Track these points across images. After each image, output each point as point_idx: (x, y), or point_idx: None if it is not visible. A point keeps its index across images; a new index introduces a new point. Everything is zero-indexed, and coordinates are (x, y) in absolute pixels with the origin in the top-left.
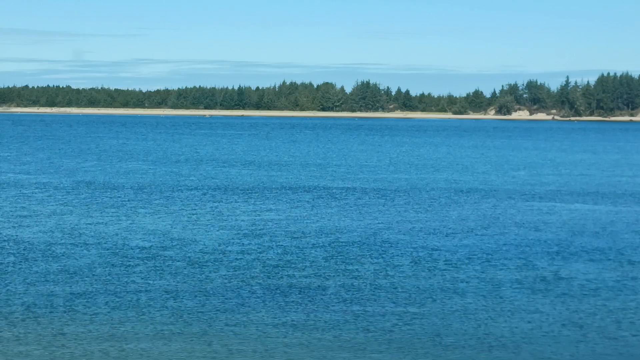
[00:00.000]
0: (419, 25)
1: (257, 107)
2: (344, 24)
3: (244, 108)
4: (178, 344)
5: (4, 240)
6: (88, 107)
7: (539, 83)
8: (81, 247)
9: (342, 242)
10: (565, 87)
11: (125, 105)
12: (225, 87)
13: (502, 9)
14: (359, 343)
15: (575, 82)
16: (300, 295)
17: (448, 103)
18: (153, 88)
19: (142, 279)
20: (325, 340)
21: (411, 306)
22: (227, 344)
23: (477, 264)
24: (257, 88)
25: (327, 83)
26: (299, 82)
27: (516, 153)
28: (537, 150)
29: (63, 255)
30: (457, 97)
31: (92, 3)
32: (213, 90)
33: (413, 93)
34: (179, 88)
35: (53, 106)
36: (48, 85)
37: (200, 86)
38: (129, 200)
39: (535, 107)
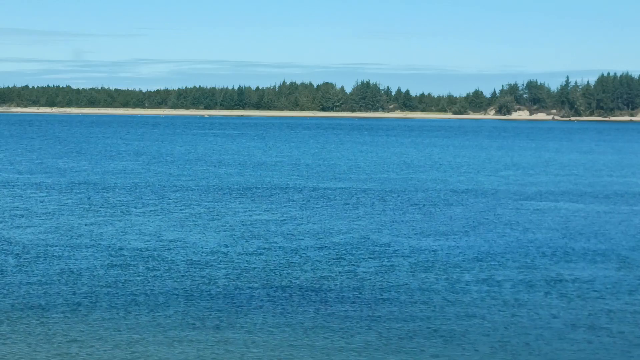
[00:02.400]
0: (419, 25)
1: (257, 107)
2: (344, 24)
3: (244, 108)
4: (187, 348)
5: (2, 242)
6: (88, 107)
7: (539, 83)
8: (80, 249)
9: (341, 243)
10: (565, 87)
11: (125, 105)
12: (225, 87)
13: (502, 9)
14: (374, 348)
15: (575, 82)
16: (309, 298)
17: (448, 103)
18: (153, 88)
19: (144, 281)
20: (340, 346)
21: (422, 309)
22: (238, 349)
23: (481, 265)
24: (257, 88)
25: (327, 83)
26: (299, 82)
27: (512, 153)
28: (534, 151)
29: (62, 257)
30: (457, 97)
31: (92, 3)
32: (213, 90)
33: (413, 93)
34: (179, 88)
35: (53, 106)
36: (48, 85)
37: (200, 86)
38: (124, 201)
39: (535, 107)
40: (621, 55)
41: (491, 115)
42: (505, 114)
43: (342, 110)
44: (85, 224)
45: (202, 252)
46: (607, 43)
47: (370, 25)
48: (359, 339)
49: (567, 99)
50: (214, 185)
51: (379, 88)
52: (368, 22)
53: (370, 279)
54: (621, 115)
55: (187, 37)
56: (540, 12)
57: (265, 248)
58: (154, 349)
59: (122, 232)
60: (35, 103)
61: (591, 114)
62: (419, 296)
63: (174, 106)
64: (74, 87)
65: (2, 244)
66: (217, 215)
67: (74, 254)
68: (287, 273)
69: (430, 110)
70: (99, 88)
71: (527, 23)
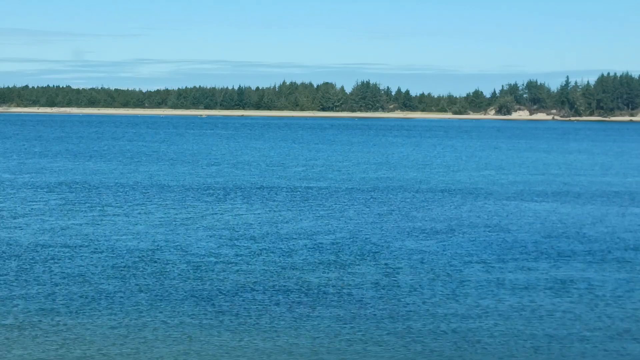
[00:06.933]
0: (419, 25)
1: (257, 107)
2: (344, 24)
3: (244, 108)
4: (204, 358)
5: (1, 244)
6: (88, 107)
7: (539, 83)
8: (81, 250)
9: (338, 244)
10: (565, 87)
11: (125, 105)
12: (225, 87)
13: (502, 9)
14: (394, 349)
15: (575, 82)
16: (324, 302)
17: (448, 103)
18: (153, 88)
19: (149, 282)
20: (361, 348)
21: (431, 309)
22: (257, 354)
23: (486, 267)
24: (257, 88)
25: (327, 83)
26: (299, 82)
27: (506, 154)
28: (523, 152)
29: (64, 259)
30: (457, 97)
31: (92, 3)
32: (213, 90)
33: (413, 93)
34: (179, 88)
35: (53, 106)
36: (48, 85)
37: (200, 86)
38: (115, 202)
39: (535, 107)
40: (621, 55)
41: (491, 115)
42: (505, 114)
43: (342, 110)
44: (81, 225)
45: (203, 254)
46: (607, 43)
47: (370, 25)
48: (384, 343)
49: (567, 99)
50: (207, 186)
51: (379, 88)
52: (368, 22)
53: (381, 283)
54: (621, 115)
55: (187, 37)
56: (540, 12)
57: (263, 249)
58: (159, 347)
59: (117, 234)
60: (35, 103)
61: (591, 114)
62: (427, 297)
63: (174, 106)
64: (74, 87)
65: (2, 246)
66: (215, 215)
67: (75, 256)
68: (292, 275)
69: (430, 111)
70: (99, 88)
71: (527, 23)
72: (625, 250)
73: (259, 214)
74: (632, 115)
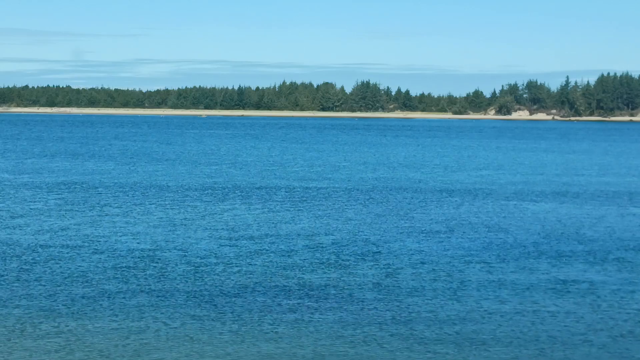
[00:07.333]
0: (419, 25)
1: (257, 107)
2: (343, 24)
3: (244, 108)
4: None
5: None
6: (88, 107)
7: (539, 83)
8: (80, 250)
9: (337, 244)
10: (565, 87)
11: (125, 105)
12: (225, 87)
13: (502, 9)
14: (397, 351)
15: (575, 82)
16: (326, 302)
17: (448, 103)
18: (153, 88)
19: (150, 283)
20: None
21: (433, 311)
22: (260, 356)
23: (481, 265)
24: (257, 88)
25: (327, 83)
26: (299, 82)
27: (506, 154)
28: (531, 151)
29: (64, 259)
30: (457, 97)
31: (92, 3)
32: (213, 90)
33: (413, 93)
34: (179, 88)
35: (53, 106)
36: (48, 85)
37: (200, 86)
38: (110, 202)
39: (535, 107)
40: (621, 55)
41: (491, 115)
42: (505, 114)
43: (342, 110)
44: (81, 225)
45: (204, 254)
46: (607, 43)
47: (370, 25)
48: (387, 344)
49: (567, 99)
50: (207, 186)
51: (379, 88)
52: (368, 22)
53: (382, 284)
54: (621, 115)
55: (187, 37)
56: (540, 12)
57: (264, 250)
58: (168, 354)
59: (118, 233)
60: (35, 103)
61: (591, 114)
62: (428, 297)
63: (174, 106)
64: (74, 87)
65: (2, 246)
66: (215, 215)
67: (75, 256)
68: (293, 276)
69: (430, 111)
70: (99, 88)
71: (527, 23)
72: (625, 250)
73: (258, 214)
74: (632, 115)
